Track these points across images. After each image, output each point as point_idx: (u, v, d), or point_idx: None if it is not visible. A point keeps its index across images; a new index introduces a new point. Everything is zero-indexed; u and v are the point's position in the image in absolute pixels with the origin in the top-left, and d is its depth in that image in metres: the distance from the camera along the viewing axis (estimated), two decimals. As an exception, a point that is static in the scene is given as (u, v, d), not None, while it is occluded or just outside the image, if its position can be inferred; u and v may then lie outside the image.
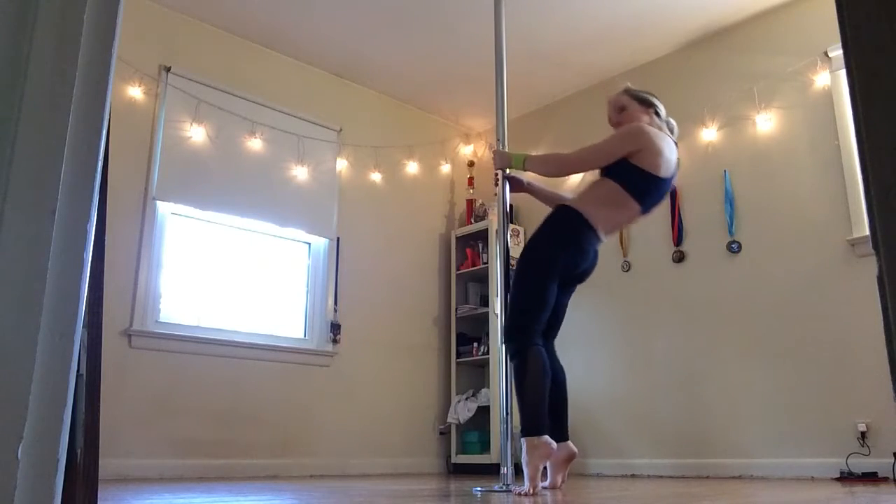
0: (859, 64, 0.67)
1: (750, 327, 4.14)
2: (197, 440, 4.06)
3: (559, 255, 2.66)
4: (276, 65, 4.94)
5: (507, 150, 3.09)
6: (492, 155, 3.11)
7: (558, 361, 2.81)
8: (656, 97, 2.85)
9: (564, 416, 2.77)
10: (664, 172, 2.66)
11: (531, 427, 2.51)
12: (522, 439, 2.52)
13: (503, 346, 2.73)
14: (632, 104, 2.79)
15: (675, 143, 2.79)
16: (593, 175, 2.83)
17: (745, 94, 4.43)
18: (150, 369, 3.96)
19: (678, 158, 2.78)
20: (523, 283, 2.68)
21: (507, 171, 3.04)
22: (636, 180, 2.63)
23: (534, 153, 5.55)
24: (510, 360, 2.69)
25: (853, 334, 3.71)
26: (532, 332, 2.62)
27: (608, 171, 2.69)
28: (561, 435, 2.69)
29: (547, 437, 2.52)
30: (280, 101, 4.87)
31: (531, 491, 2.41)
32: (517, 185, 3.06)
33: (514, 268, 2.75)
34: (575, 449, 2.72)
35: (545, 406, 2.56)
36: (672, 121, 2.86)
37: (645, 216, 2.76)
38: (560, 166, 2.84)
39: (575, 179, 5.03)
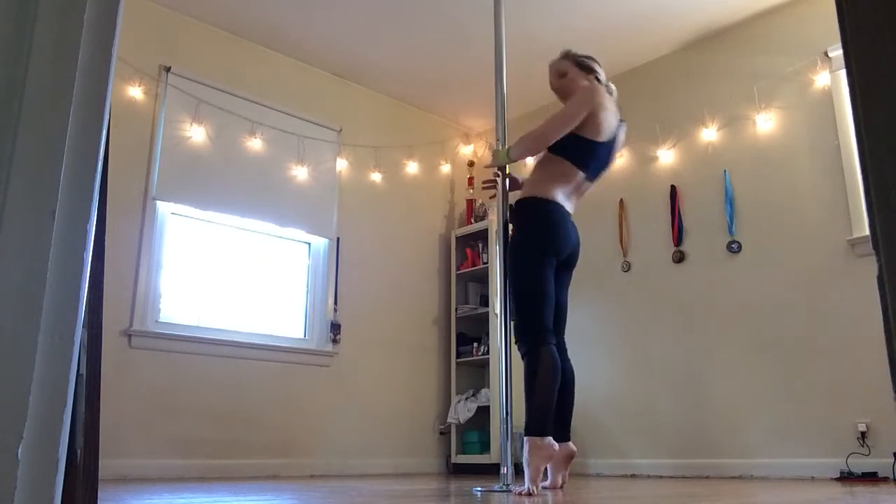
0: (859, 64, 0.67)
1: (750, 327, 4.14)
2: (197, 440, 4.06)
3: (541, 240, 2.71)
4: (276, 65, 4.94)
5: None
6: (491, 155, 3.12)
7: (568, 361, 2.80)
8: (597, 62, 2.94)
9: (569, 416, 2.76)
10: (603, 137, 2.74)
11: (536, 427, 2.51)
12: (525, 438, 2.52)
13: (516, 344, 2.71)
14: (573, 70, 2.88)
15: (619, 109, 2.89)
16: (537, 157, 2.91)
17: (745, 94, 4.43)
18: (150, 369, 3.96)
19: (621, 120, 2.88)
20: (518, 280, 2.70)
21: (507, 170, 3.04)
22: (576, 149, 2.72)
23: (533, 157, 5.56)
24: (522, 359, 2.67)
25: (853, 334, 3.71)
26: (542, 329, 2.62)
27: (550, 147, 2.76)
28: (563, 435, 2.69)
29: (550, 439, 2.52)
30: (280, 101, 4.87)
31: (531, 491, 2.40)
32: (515, 185, 3.06)
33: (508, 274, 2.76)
34: (574, 448, 2.72)
35: (553, 408, 2.56)
36: (612, 86, 2.96)
37: (593, 183, 2.86)
38: (537, 141, 2.80)
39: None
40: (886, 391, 3.41)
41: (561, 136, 2.78)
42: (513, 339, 2.75)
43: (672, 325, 4.49)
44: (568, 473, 2.78)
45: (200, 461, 4.03)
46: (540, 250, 2.70)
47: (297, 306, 4.85)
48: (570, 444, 2.71)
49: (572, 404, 2.79)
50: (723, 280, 4.32)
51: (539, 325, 2.62)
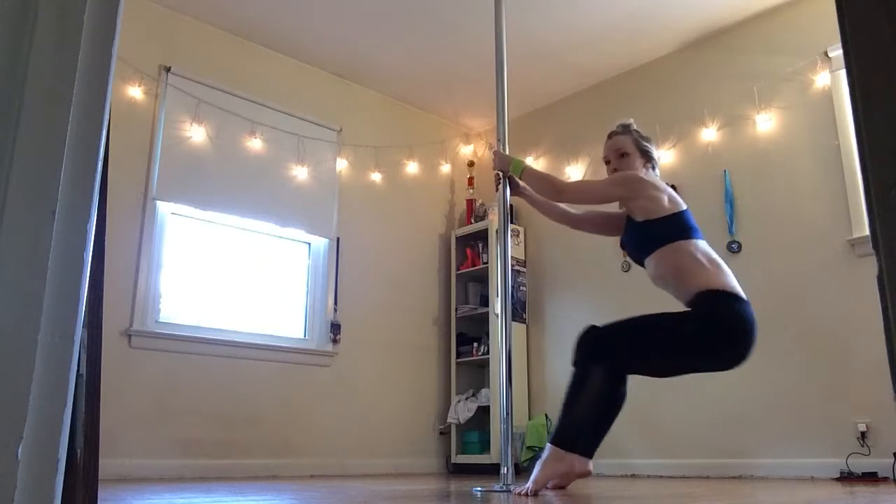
0: (859, 64, 0.67)
1: (750, 327, 4.14)
2: (197, 440, 4.05)
3: (727, 350, 2.45)
4: (276, 65, 4.94)
5: (507, 153, 3.08)
6: (492, 155, 3.10)
7: (625, 384, 2.60)
8: (654, 148, 2.82)
9: (603, 437, 2.59)
10: (681, 205, 2.60)
11: (566, 440, 2.41)
12: (549, 445, 2.43)
13: (578, 347, 2.51)
14: (635, 154, 2.72)
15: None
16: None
17: (745, 94, 4.42)
18: (150, 369, 3.96)
19: None
20: (654, 340, 2.50)
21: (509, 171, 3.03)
22: (677, 226, 2.54)
23: (533, 157, 5.57)
24: (573, 365, 2.51)
25: (853, 334, 3.71)
26: (614, 360, 2.47)
27: (664, 240, 2.53)
28: (589, 453, 2.53)
29: (575, 457, 2.42)
30: (280, 101, 4.87)
31: (530, 491, 2.39)
32: (516, 188, 3.05)
33: (666, 316, 2.51)
34: (591, 468, 2.54)
35: (589, 426, 2.45)
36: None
37: None
38: (553, 191, 2.75)
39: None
40: (886, 391, 3.41)
41: (576, 202, 2.73)
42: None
43: (672, 325, 4.48)
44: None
45: (200, 461, 4.03)
46: (713, 355, 2.45)
47: (297, 306, 4.85)
48: (590, 463, 2.53)
49: (609, 429, 2.60)
50: (723, 280, 4.31)
51: (616, 355, 2.47)
